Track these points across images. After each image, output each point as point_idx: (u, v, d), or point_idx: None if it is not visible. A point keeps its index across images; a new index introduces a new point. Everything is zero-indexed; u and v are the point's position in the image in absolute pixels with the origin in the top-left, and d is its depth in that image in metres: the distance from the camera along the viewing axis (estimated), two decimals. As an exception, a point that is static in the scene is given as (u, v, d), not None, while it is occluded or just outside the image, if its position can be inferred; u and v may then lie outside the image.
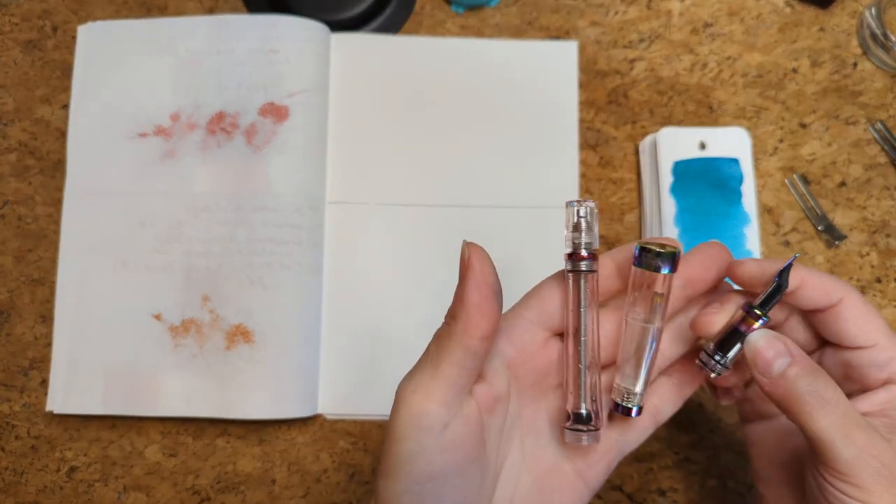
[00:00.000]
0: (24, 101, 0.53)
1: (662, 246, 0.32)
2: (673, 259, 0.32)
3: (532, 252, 0.51)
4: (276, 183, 0.49)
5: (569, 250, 0.33)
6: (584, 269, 0.33)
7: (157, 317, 0.49)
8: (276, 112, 0.50)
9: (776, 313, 0.35)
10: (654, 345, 0.33)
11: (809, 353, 0.35)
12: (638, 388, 0.34)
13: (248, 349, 0.48)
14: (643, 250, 0.32)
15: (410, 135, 0.52)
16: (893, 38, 0.52)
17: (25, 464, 0.49)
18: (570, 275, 0.33)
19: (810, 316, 0.35)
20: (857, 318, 0.33)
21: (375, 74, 0.53)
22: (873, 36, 0.53)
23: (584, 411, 0.33)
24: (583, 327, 0.33)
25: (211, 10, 0.54)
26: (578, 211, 0.33)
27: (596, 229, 0.33)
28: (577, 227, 0.33)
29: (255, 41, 0.51)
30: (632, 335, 0.33)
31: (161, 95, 0.51)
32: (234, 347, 0.48)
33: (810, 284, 0.33)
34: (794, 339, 0.34)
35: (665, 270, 0.32)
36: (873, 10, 0.53)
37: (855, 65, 0.54)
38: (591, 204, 0.33)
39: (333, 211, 0.51)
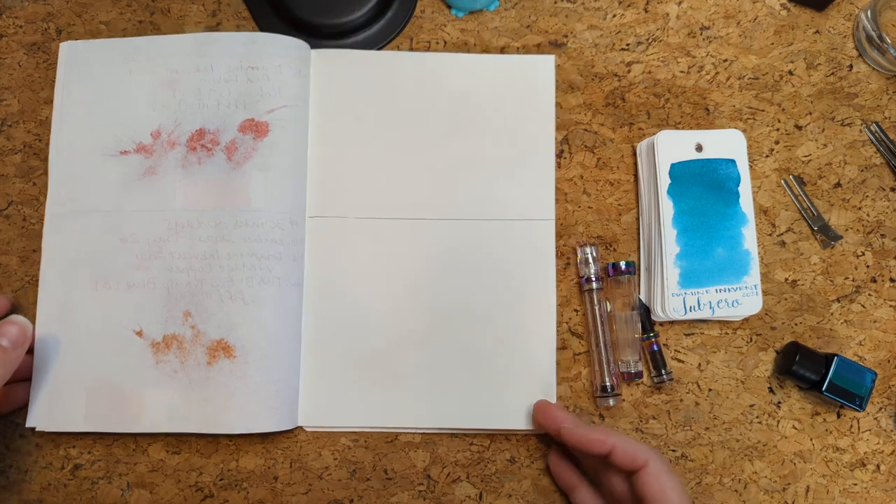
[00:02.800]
0: (29, 102, 0.54)
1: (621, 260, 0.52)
2: (631, 265, 0.51)
3: (510, 263, 0.51)
4: (256, 198, 0.50)
5: (583, 276, 0.51)
6: (594, 287, 0.51)
7: (139, 333, 0.49)
8: (255, 128, 0.50)
9: (603, 472, 0.46)
10: (638, 325, 0.50)
11: None
12: (639, 358, 0.51)
13: (230, 364, 0.48)
14: (614, 266, 0.51)
15: (390, 149, 0.53)
16: (889, 40, 0.52)
17: (30, 462, 0.50)
18: (586, 291, 0.51)
19: (629, 478, 0.44)
20: (654, 484, 0.42)
21: (356, 89, 0.53)
22: (868, 38, 0.53)
23: (608, 383, 0.50)
24: (598, 324, 0.51)
25: (214, 14, 0.55)
26: (587, 251, 0.51)
27: (598, 263, 0.51)
28: (587, 262, 0.51)
29: (233, 58, 0.52)
30: (623, 324, 0.51)
31: (141, 113, 0.52)
32: (216, 363, 0.48)
33: (619, 449, 0.43)
34: (617, 494, 0.45)
35: (633, 273, 0.51)
36: (869, 13, 0.53)
37: (850, 67, 0.55)
38: (594, 247, 0.51)
39: (314, 225, 0.52)
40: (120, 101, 0.52)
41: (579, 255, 0.51)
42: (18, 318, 0.46)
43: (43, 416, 0.49)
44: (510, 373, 0.50)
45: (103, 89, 0.52)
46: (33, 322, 0.50)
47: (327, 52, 0.53)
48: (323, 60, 0.53)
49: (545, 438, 0.50)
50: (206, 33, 0.52)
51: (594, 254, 0.51)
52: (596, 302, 0.51)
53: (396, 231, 0.52)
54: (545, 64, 0.54)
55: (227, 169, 0.50)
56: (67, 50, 0.53)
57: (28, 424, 0.49)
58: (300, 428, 0.50)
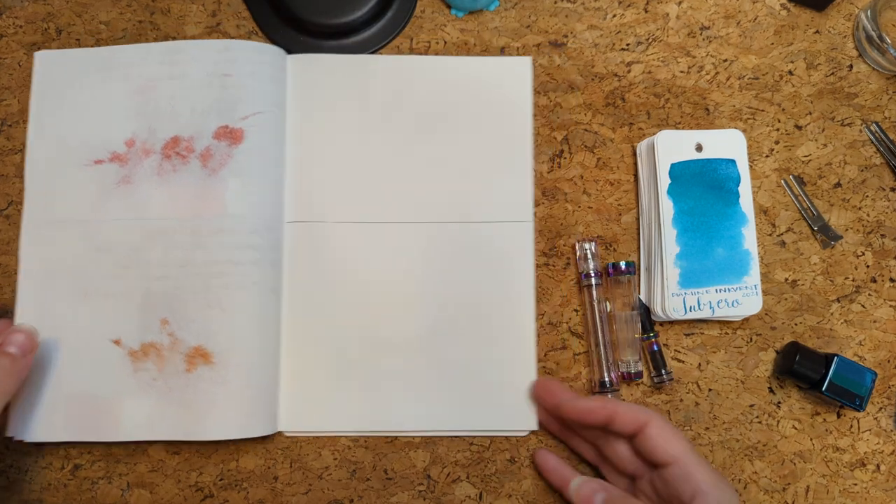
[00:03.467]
0: (29, 102, 0.54)
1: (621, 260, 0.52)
2: (631, 265, 0.51)
3: (490, 266, 0.51)
4: (232, 205, 0.50)
5: (583, 272, 0.51)
6: (593, 283, 0.51)
7: (117, 342, 0.49)
8: (230, 135, 0.50)
9: (605, 443, 0.47)
10: (638, 325, 0.50)
11: (640, 476, 0.45)
12: (639, 358, 0.51)
13: (209, 370, 0.48)
14: (614, 266, 0.51)
15: (368, 153, 0.53)
16: (888, 40, 0.52)
17: (30, 461, 0.50)
18: (585, 288, 0.51)
19: (632, 442, 0.44)
20: (659, 437, 0.43)
21: (333, 94, 0.53)
22: (868, 38, 0.53)
23: (606, 379, 0.50)
24: (597, 321, 0.51)
25: (213, 14, 0.55)
26: (585, 246, 0.51)
27: (598, 259, 0.51)
28: (585, 258, 0.51)
29: (207, 66, 0.51)
30: (623, 324, 0.50)
31: (115, 122, 0.52)
32: (195, 370, 0.48)
33: (620, 412, 0.44)
34: (621, 461, 0.45)
35: (633, 273, 0.51)
36: (868, 13, 0.53)
37: (850, 67, 0.55)
38: (593, 243, 0.51)
39: (292, 230, 0.52)
40: (93, 110, 0.52)
41: (578, 251, 0.51)
42: (24, 326, 0.46)
43: (22, 426, 0.49)
44: (490, 375, 0.50)
45: (77, 99, 0.52)
46: None
47: (303, 57, 0.53)
48: (299, 66, 0.53)
49: (545, 437, 0.50)
50: (179, 41, 0.52)
51: (593, 249, 0.51)
52: (595, 299, 0.51)
53: (375, 235, 0.52)
54: (522, 65, 0.54)
55: (203, 176, 0.50)
56: (41, 60, 0.53)
57: (7, 434, 0.49)
58: (281, 433, 0.50)
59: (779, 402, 0.51)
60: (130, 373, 0.49)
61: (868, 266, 0.52)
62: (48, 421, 0.48)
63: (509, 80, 0.53)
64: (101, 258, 0.50)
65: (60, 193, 0.51)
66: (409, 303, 0.51)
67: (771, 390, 0.51)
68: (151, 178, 0.51)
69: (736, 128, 0.53)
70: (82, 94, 0.52)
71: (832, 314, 0.52)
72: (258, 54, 0.52)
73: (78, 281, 0.50)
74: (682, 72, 0.54)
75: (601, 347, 0.50)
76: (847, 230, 0.53)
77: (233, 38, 0.55)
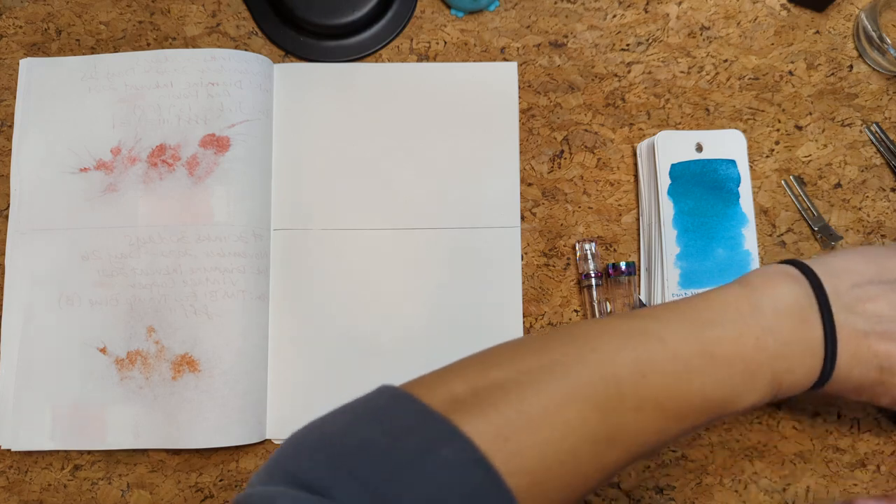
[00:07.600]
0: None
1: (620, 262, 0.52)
2: (631, 265, 0.51)
3: (477, 272, 0.51)
4: (218, 212, 0.50)
5: (583, 272, 0.51)
6: (593, 283, 0.51)
7: (103, 350, 0.49)
8: (216, 143, 0.51)
9: None
10: None
11: None
12: None
13: (195, 378, 0.48)
14: (614, 266, 0.51)
15: (355, 160, 0.53)
16: (888, 41, 0.52)
17: (30, 462, 0.50)
18: (585, 288, 0.51)
19: None
20: None
21: (320, 102, 0.53)
22: (868, 38, 0.53)
23: None
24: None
25: (213, 14, 0.55)
26: (586, 247, 0.51)
27: (598, 259, 0.51)
28: (585, 259, 0.51)
29: (193, 75, 0.52)
30: None
31: (101, 130, 0.52)
32: (181, 377, 0.48)
33: None
34: None
35: (633, 273, 0.52)
36: (868, 13, 0.53)
37: (850, 67, 0.55)
38: (593, 243, 0.51)
39: (279, 237, 0.52)
40: (79, 118, 0.52)
41: (578, 252, 0.51)
42: None
43: (10, 434, 0.49)
44: None
45: (63, 107, 0.52)
46: None
47: (290, 65, 0.54)
48: (286, 74, 0.54)
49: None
50: (165, 50, 0.53)
51: (593, 250, 0.51)
52: (595, 299, 0.51)
53: (362, 242, 0.52)
54: (508, 71, 0.54)
55: (189, 184, 0.50)
56: (27, 67, 0.53)
57: None
58: (269, 441, 0.50)
59: (779, 403, 0.51)
60: (117, 381, 0.49)
61: (868, 266, 0.52)
62: (34, 429, 0.49)
63: (495, 86, 0.53)
64: (88, 266, 0.50)
65: (46, 201, 0.51)
66: (396, 309, 0.51)
67: (771, 391, 0.51)
68: (137, 185, 0.51)
69: (736, 128, 0.53)
70: (68, 102, 0.52)
71: (832, 315, 0.52)
72: (245, 63, 0.52)
73: (64, 289, 0.50)
74: (682, 72, 0.54)
75: None
76: (847, 230, 0.53)
77: (233, 38, 0.55)
